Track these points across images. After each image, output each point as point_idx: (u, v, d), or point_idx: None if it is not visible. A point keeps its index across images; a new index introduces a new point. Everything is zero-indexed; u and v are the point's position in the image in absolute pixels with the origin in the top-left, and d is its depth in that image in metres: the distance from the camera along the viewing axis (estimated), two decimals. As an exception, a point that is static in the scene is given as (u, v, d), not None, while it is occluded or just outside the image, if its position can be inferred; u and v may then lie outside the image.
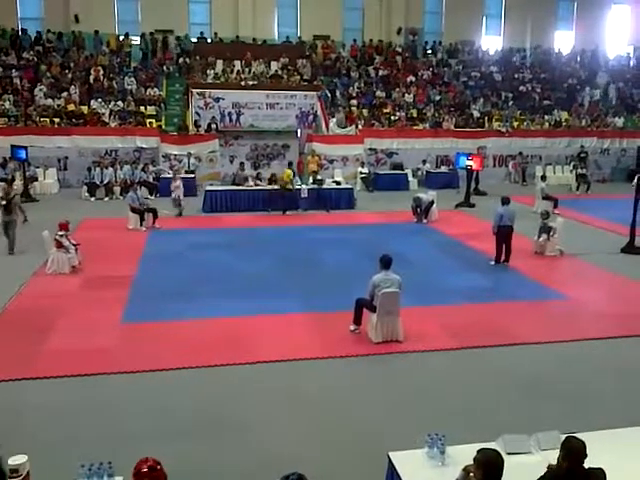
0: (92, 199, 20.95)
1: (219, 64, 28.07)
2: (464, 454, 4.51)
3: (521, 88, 31.14)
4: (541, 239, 14.30)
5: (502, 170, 26.96)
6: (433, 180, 24.33)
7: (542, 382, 7.94)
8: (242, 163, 22.09)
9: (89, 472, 4.51)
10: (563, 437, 4.46)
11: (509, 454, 4.88)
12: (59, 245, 12.42)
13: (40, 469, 4.85)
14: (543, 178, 21.04)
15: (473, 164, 20.58)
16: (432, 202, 18.15)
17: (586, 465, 4.22)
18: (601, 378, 8.13)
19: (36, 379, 7.79)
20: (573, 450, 4.23)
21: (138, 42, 29.43)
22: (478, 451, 4.22)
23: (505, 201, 13.62)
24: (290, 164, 21.34)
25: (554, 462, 4.44)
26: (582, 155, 26.89)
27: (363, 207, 20.20)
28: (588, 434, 4.94)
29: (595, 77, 33.07)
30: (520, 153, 26.71)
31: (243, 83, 26.02)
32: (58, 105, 24.48)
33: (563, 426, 5.28)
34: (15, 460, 4.50)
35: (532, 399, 7.49)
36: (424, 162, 25.46)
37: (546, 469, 4.46)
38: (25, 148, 20.62)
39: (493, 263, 13.47)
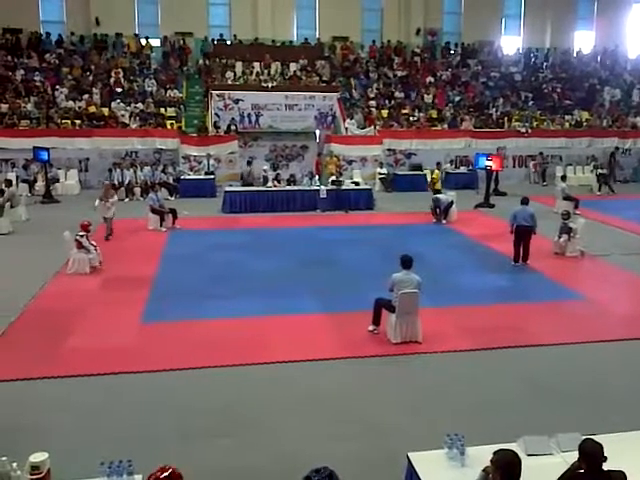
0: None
1: (238, 66, 28.21)
2: (484, 455, 4.46)
3: (541, 88, 30.93)
4: (562, 239, 14.18)
5: (522, 170, 26.77)
6: (452, 181, 24.20)
7: (562, 383, 7.87)
8: (249, 162, 22.36)
9: (109, 470, 4.54)
10: (582, 439, 4.42)
11: (529, 455, 4.85)
12: (80, 245, 12.53)
13: (60, 467, 4.89)
14: (563, 178, 20.90)
15: (493, 164, 20.45)
16: (451, 203, 18.08)
17: (606, 467, 4.18)
18: (622, 380, 8.04)
19: (57, 378, 7.86)
20: (590, 453, 4.19)
21: (159, 44, 29.68)
22: (495, 452, 4.20)
23: (523, 201, 13.59)
24: (439, 164, 22.66)
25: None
26: (613, 156, 26.79)
27: (382, 208, 20.16)
28: (609, 436, 4.90)
29: (616, 77, 32.80)
30: (541, 153, 26.51)
31: (263, 84, 26.12)
32: (79, 107, 24.71)
33: (584, 428, 5.23)
34: (36, 458, 4.55)
35: (552, 400, 7.43)
36: (451, 162, 25.27)
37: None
38: (47, 150, 20.84)
39: (513, 263, 13.40)
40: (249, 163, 22.41)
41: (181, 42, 29.67)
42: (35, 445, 5.08)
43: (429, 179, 23.43)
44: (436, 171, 20.56)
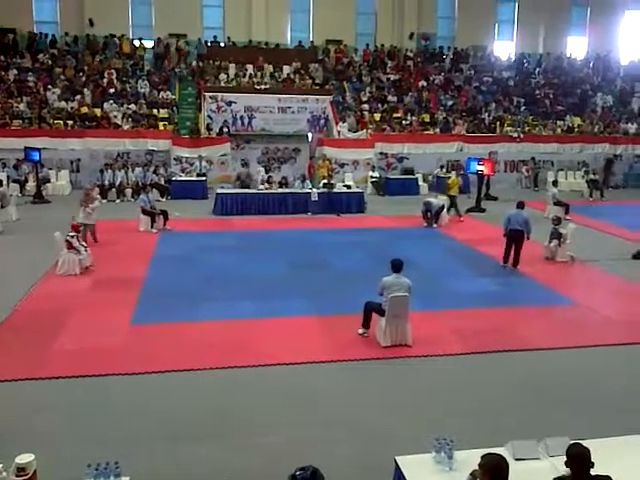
0: (104, 201, 20.99)
1: (232, 68, 28.22)
2: (472, 459, 4.47)
3: (534, 93, 31.08)
4: (552, 245, 14.23)
5: (513, 175, 26.87)
6: (444, 185, 24.22)
7: (551, 388, 7.89)
8: (246, 164, 22.56)
9: (96, 472, 4.51)
10: (570, 444, 4.43)
11: (517, 460, 4.86)
12: (70, 246, 12.48)
13: (47, 468, 4.87)
14: (555, 184, 20.96)
15: (484, 169, 20.51)
16: (442, 207, 18.12)
17: (594, 473, 4.19)
18: (611, 385, 8.06)
19: (45, 379, 7.82)
20: (577, 457, 4.21)
21: (152, 46, 29.66)
22: (482, 456, 4.21)
23: (518, 205, 13.71)
24: (457, 168, 21.17)
25: (562, 468, 4.41)
26: (609, 162, 27.19)
27: (373, 211, 20.20)
28: (598, 441, 4.91)
29: (608, 83, 33.03)
30: (533, 158, 26.60)
31: (257, 87, 26.17)
32: (72, 108, 24.66)
33: (573, 432, 5.25)
34: (22, 459, 4.52)
35: (542, 405, 7.44)
36: (441, 167, 25.26)
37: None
38: (39, 150, 20.79)
39: (502, 264, 13.54)
40: (246, 165, 22.52)
41: (180, 43, 29.66)
42: (21, 446, 5.04)
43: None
44: (453, 177, 20.09)
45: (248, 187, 20.95)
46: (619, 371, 8.52)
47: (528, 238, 13.42)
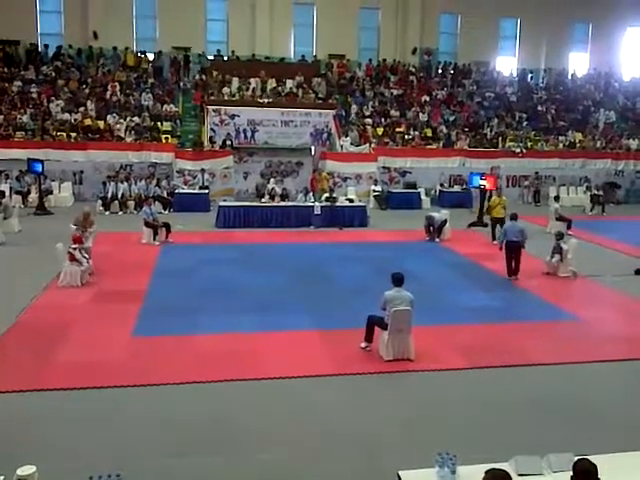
0: (106, 213, 21.07)
1: (235, 81, 28.35)
2: (475, 474, 4.44)
3: (536, 108, 31.19)
4: (554, 260, 14.21)
5: (515, 190, 26.87)
6: (446, 199, 24.33)
7: (555, 403, 7.85)
8: (263, 175, 23.36)
9: (98, 484, 4.50)
10: (576, 459, 4.40)
11: (521, 475, 4.83)
12: (72, 258, 12.48)
13: (48, 480, 4.85)
14: (556, 199, 20.95)
15: (487, 184, 20.53)
16: (445, 221, 18.13)
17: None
18: (615, 401, 8.02)
19: (46, 391, 7.80)
20: (584, 473, 4.18)
21: (155, 58, 29.83)
22: (486, 472, 4.19)
23: (512, 217, 14.10)
24: (491, 193, 19.40)
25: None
26: (612, 183, 27.32)
27: (376, 225, 20.20)
28: (601, 457, 4.87)
29: (610, 99, 33.16)
30: (536, 173, 26.62)
31: (259, 100, 26.30)
32: (75, 120, 24.76)
33: (576, 448, 5.21)
34: (23, 471, 4.52)
35: (544, 420, 7.40)
36: (442, 185, 25.40)
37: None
38: (41, 161, 20.83)
39: (508, 278, 13.72)
40: (263, 176, 23.22)
41: (191, 57, 29.88)
42: (23, 458, 5.03)
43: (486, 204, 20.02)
44: (496, 198, 18.48)
45: (263, 197, 21.01)
46: (622, 387, 8.48)
47: (524, 247, 13.70)
